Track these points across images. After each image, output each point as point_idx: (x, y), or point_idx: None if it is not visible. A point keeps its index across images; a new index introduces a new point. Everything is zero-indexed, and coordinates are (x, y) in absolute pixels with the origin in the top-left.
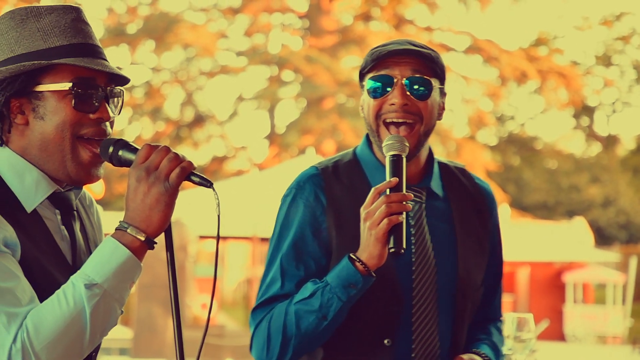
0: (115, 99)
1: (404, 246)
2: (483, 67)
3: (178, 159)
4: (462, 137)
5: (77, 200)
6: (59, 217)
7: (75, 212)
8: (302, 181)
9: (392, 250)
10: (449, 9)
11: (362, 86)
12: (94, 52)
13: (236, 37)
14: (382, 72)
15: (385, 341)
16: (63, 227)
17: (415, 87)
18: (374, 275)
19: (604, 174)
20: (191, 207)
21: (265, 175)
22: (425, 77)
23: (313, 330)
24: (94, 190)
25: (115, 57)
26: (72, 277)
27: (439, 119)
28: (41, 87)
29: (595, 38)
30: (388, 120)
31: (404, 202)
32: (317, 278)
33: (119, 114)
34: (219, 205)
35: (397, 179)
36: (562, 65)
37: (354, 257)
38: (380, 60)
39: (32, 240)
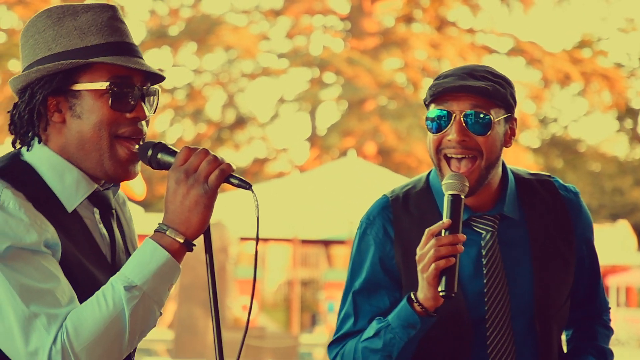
0: (151, 98)
1: (455, 290)
2: (526, 69)
3: (217, 161)
4: None
5: (114, 199)
6: (97, 216)
7: (113, 211)
8: (372, 215)
9: (443, 294)
10: (491, 10)
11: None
12: (131, 50)
13: (278, 39)
14: (441, 107)
15: None
16: (102, 226)
17: (474, 122)
18: (435, 315)
19: None
20: (232, 208)
21: (306, 177)
22: (484, 111)
23: None
24: (136, 192)
25: (157, 59)
26: (111, 278)
27: (507, 146)
28: (78, 86)
29: None
30: (449, 155)
31: (457, 244)
32: (392, 311)
33: (155, 112)
34: (257, 207)
35: (450, 220)
36: (605, 67)
37: (412, 297)
38: (438, 96)
39: (73, 240)
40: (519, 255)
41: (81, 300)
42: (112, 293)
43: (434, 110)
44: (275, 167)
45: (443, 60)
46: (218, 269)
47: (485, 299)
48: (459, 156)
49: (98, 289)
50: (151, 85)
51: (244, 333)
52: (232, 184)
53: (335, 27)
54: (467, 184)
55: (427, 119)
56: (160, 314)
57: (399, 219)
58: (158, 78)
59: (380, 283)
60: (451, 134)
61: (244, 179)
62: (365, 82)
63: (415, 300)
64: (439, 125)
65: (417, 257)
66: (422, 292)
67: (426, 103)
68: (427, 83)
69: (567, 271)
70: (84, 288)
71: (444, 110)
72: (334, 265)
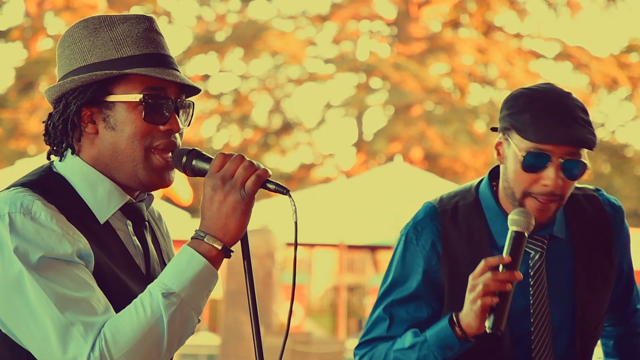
0: (186, 110)
1: (502, 329)
2: (573, 74)
3: (253, 167)
4: None
5: (147, 212)
6: (130, 227)
7: (146, 223)
8: (420, 225)
9: (490, 331)
10: (538, 15)
11: (507, 135)
12: (165, 62)
13: (324, 45)
14: (540, 149)
15: None
16: (135, 238)
17: (571, 169)
18: (473, 340)
19: None
20: (278, 214)
21: (352, 182)
22: (581, 159)
23: None
24: (182, 198)
25: (204, 65)
26: (149, 286)
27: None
28: (112, 97)
29: None
30: (535, 195)
31: (510, 282)
32: (429, 323)
33: (189, 125)
34: (295, 212)
35: (511, 258)
36: None
37: (454, 320)
38: (544, 143)
39: (106, 251)
40: (562, 273)
41: (116, 311)
42: (149, 300)
43: (531, 149)
44: (321, 173)
45: (490, 65)
46: (264, 275)
47: (532, 319)
48: (548, 198)
49: (132, 299)
50: (187, 97)
51: (284, 338)
52: (269, 189)
53: (381, 32)
54: (533, 223)
55: (522, 154)
56: (199, 320)
57: (447, 233)
58: (193, 90)
59: (421, 295)
60: (547, 179)
61: (280, 184)
62: (412, 87)
63: (456, 324)
64: (535, 166)
65: (469, 285)
66: (467, 319)
67: (510, 127)
68: (473, 88)
69: (606, 287)
70: (118, 298)
71: (545, 154)
72: (380, 270)
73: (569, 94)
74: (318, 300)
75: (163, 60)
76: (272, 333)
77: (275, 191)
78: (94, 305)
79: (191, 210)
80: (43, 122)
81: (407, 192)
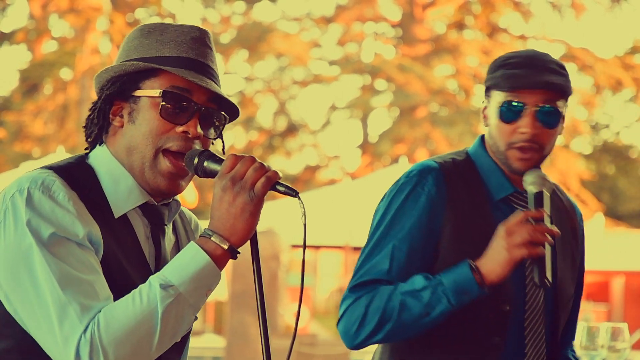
0: (212, 119)
1: (550, 279)
2: (577, 75)
3: (263, 169)
4: (556, 146)
5: (177, 217)
6: (148, 228)
7: (165, 227)
8: (424, 171)
9: (539, 282)
10: (543, 17)
11: (487, 95)
12: (202, 69)
13: (329, 46)
14: (513, 98)
15: (496, 339)
16: (150, 239)
17: (546, 116)
18: (487, 291)
19: None
20: (284, 216)
21: (357, 184)
22: (555, 106)
23: (412, 323)
24: (187, 200)
25: None
26: (150, 277)
27: (560, 133)
28: (139, 92)
29: None
30: (516, 144)
31: (549, 236)
32: (424, 271)
33: (215, 138)
34: (304, 214)
35: (544, 212)
36: None
37: (474, 266)
38: (515, 90)
39: (118, 243)
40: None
41: None
42: (147, 290)
43: (506, 100)
44: (326, 175)
45: None
46: (269, 277)
47: (526, 274)
48: (526, 145)
49: None
50: (218, 109)
51: (292, 340)
52: (279, 192)
53: (386, 34)
54: (548, 180)
55: (496, 104)
56: (196, 318)
57: (452, 183)
58: (231, 108)
59: (422, 241)
60: (523, 127)
61: (290, 186)
62: (417, 88)
63: (477, 270)
64: (512, 115)
65: (502, 232)
66: (491, 266)
67: (489, 86)
68: (478, 90)
69: (574, 271)
70: (122, 290)
71: (519, 102)
72: None
73: (546, 54)
74: (323, 302)
75: (199, 66)
76: (278, 335)
77: (284, 193)
78: (96, 289)
79: (196, 212)
80: (89, 110)
81: None
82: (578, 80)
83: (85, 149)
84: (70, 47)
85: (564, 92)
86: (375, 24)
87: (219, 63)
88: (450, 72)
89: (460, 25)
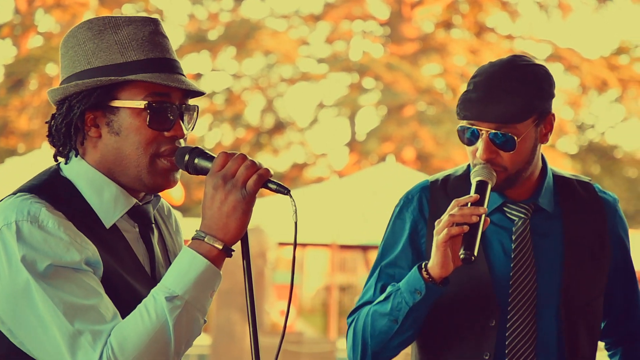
0: (190, 114)
1: (475, 253)
2: (564, 75)
3: (255, 167)
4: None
5: (155, 211)
6: (137, 229)
7: (153, 225)
8: (411, 194)
9: (462, 256)
10: (530, 16)
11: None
12: (171, 67)
13: (317, 44)
14: (469, 123)
15: (485, 356)
16: (141, 241)
17: (500, 141)
18: (441, 286)
19: None
20: (270, 213)
21: (345, 182)
22: (509, 131)
23: (386, 333)
24: (173, 197)
25: (196, 64)
26: (152, 290)
27: (544, 142)
28: (117, 103)
29: None
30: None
31: (474, 215)
32: None
33: (192, 129)
34: (296, 212)
35: (478, 195)
36: None
37: (422, 265)
38: (464, 118)
39: (114, 255)
40: (551, 247)
41: (124, 316)
42: (154, 305)
43: (462, 125)
44: (314, 172)
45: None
46: (256, 274)
47: (510, 282)
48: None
49: (140, 302)
50: (190, 101)
51: (280, 338)
52: (270, 189)
53: (374, 33)
54: (495, 175)
55: (458, 131)
56: (205, 321)
57: (435, 200)
58: (197, 93)
59: (408, 259)
60: (480, 150)
61: (282, 184)
62: (405, 87)
63: (423, 268)
64: (469, 140)
65: (435, 222)
66: (432, 259)
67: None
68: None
69: (598, 270)
70: (127, 302)
71: (472, 127)
72: None
73: (516, 64)
74: (310, 300)
75: (168, 65)
76: (264, 332)
77: (276, 191)
78: (102, 312)
79: (182, 209)
80: (46, 122)
81: (399, 192)
82: (564, 81)
83: (56, 160)
84: (56, 42)
85: (521, 117)
86: (363, 22)
87: (207, 60)
88: (437, 71)
89: (448, 25)
